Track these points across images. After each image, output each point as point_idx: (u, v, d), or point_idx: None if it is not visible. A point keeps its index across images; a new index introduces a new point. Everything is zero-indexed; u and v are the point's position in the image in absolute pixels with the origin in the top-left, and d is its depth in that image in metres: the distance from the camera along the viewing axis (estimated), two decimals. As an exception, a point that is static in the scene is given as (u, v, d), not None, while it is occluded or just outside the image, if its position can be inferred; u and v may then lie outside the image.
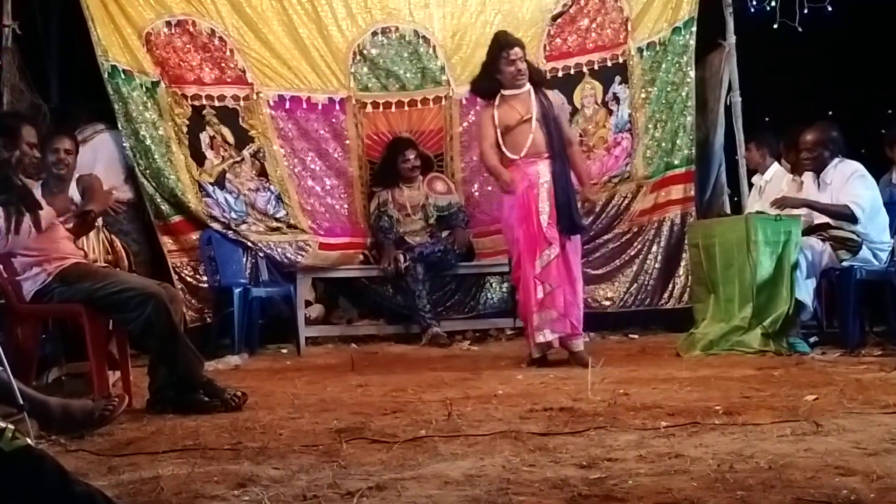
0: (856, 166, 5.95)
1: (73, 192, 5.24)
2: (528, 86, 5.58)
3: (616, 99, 7.42)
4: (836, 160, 5.96)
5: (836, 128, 6.06)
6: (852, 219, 5.75)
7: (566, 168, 5.55)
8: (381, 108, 7.40)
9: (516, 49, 5.57)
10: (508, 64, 5.52)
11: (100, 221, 5.09)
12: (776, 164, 6.88)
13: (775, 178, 6.78)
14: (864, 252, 5.79)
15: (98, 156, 6.59)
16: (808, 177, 6.19)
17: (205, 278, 6.80)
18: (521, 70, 5.55)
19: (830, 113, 6.95)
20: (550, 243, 5.41)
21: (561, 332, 5.46)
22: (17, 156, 4.19)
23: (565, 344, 5.50)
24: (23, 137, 4.30)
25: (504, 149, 5.54)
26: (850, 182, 5.84)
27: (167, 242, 6.78)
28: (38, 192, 4.33)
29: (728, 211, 7.26)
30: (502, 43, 5.62)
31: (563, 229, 5.44)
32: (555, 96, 5.77)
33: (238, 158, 7.06)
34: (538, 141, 5.50)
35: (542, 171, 5.48)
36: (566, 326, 5.47)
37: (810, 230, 5.89)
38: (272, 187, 7.12)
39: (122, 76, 6.72)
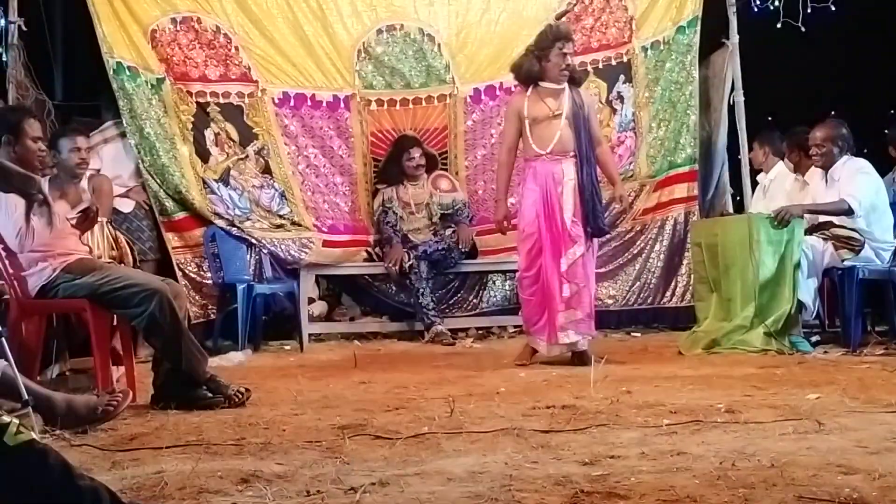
0: (862, 163, 5.94)
1: (84, 189, 5.26)
2: (565, 83, 5.47)
3: (620, 98, 7.43)
4: (845, 157, 5.95)
5: (846, 125, 6.04)
6: (849, 212, 5.72)
7: (593, 170, 5.44)
8: (385, 106, 7.38)
9: (570, 44, 5.49)
10: (560, 57, 5.39)
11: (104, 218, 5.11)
12: (780, 163, 6.86)
13: (779, 178, 6.76)
14: (867, 251, 5.78)
15: (129, 155, 6.67)
16: (814, 174, 6.18)
17: (209, 275, 6.79)
18: (569, 66, 5.44)
19: (833, 112, 6.94)
20: (575, 241, 5.33)
21: (586, 333, 5.38)
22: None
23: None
24: (26, 132, 4.30)
25: (531, 141, 5.45)
26: (850, 177, 5.83)
27: (172, 239, 6.77)
28: (45, 187, 4.33)
29: (731, 210, 7.26)
30: (562, 33, 5.48)
31: (588, 231, 5.37)
32: (587, 95, 5.68)
33: (242, 155, 7.06)
34: (565, 138, 5.39)
35: (567, 169, 5.38)
36: (590, 328, 5.43)
37: (813, 228, 5.88)
38: (276, 184, 7.11)
39: (128, 73, 6.72)
